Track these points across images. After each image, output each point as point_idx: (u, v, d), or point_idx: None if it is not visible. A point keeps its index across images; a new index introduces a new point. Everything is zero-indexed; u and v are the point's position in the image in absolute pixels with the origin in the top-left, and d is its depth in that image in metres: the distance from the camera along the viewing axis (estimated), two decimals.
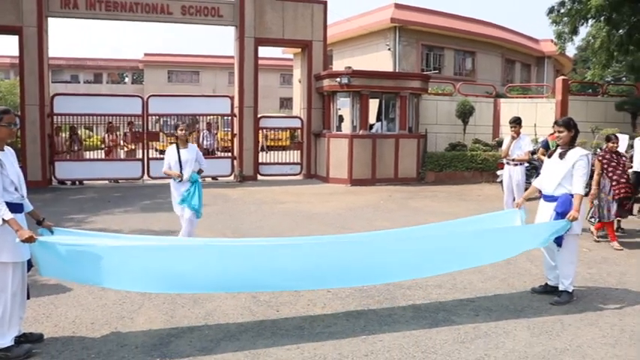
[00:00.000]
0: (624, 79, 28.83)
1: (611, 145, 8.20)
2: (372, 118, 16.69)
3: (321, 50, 16.97)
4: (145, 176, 15.77)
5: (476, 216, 6.25)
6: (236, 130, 16.47)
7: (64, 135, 15.77)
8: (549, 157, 5.62)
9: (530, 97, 18.73)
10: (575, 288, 5.51)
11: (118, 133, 16.41)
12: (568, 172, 5.28)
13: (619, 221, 8.69)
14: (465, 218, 6.29)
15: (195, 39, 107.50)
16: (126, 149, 16.27)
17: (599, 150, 8.59)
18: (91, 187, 14.99)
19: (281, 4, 16.51)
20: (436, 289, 5.81)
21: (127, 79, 57.37)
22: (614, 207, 8.04)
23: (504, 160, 9.73)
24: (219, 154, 18.32)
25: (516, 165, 9.31)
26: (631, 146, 10.01)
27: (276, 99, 47.53)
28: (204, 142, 17.25)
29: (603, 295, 5.67)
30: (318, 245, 5.16)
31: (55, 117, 15.11)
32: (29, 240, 4.02)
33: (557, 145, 5.60)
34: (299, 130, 17.52)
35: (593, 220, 8.39)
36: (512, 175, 9.35)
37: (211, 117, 17.22)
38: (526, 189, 10.89)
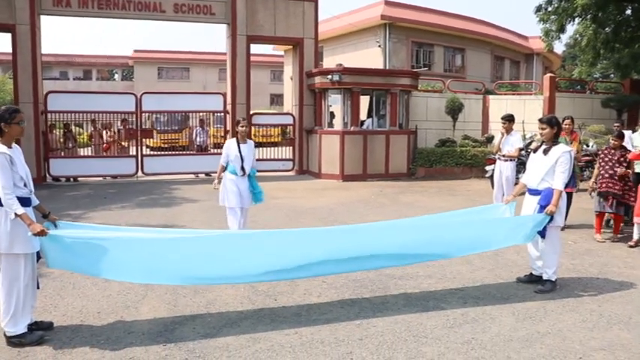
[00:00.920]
0: (612, 76, 29.25)
1: (613, 141, 8.41)
2: (362, 115, 16.95)
3: (312, 47, 17.19)
4: (139, 172, 15.93)
5: (466, 209, 6.51)
6: (229, 127, 16.65)
7: (58, 132, 15.91)
8: (534, 152, 5.90)
9: (518, 94, 19.06)
10: (558, 277, 5.81)
11: (110, 130, 16.58)
12: (551, 168, 5.57)
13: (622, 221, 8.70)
14: (456, 211, 6.55)
15: (185, 35, 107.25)
16: (119, 146, 16.43)
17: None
18: (86, 183, 15.14)
19: (272, 2, 16.70)
20: (426, 279, 6.08)
21: (116, 76, 57.22)
22: (596, 201, 8.36)
23: (496, 156, 10.01)
24: (211, 150, 18.49)
25: (507, 161, 9.58)
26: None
27: (267, 95, 47.62)
28: (198, 139, 17.44)
29: (584, 284, 5.97)
30: (320, 233, 5.47)
31: (49, 114, 15.22)
32: (41, 234, 4.24)
33: (542, 142, 5.87)
34: (291, 127, 17.71)
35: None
36: (502, 170, 9.64)
37: (203, 114, 17.39)
38: (515, 184, 11.25)
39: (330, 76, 15.65)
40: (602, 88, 20.12)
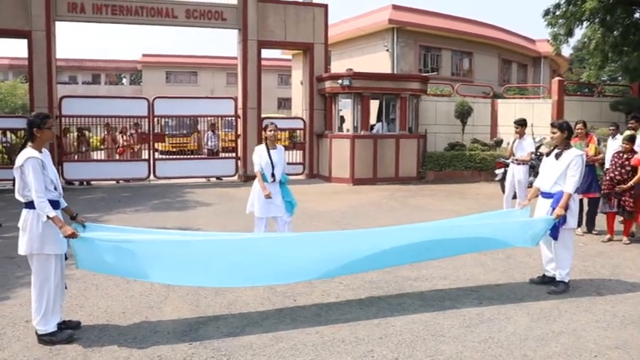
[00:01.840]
0: (619, 78, 29.29)
1: (625, 145, 8.48)
2: (372, 119, 17.09)
3: (322, 52, 17.37)
4: (151, 176, 16.13)
5: (482, 213, 6.64)
6: (240, 131, 16.83)
7: (71, 136, 16.14)
8: (547, 156, 6.02)
9: (527, 98, 19.15)
10: (570, 279, 5.92)
11: (126, 134, 16.79)
12: (563, 172, 5.70)
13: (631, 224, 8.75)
14: (472, 215, 6.68)
15: (193, 40, 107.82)
16: (131, 150, 16.65)
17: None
18: (99, 187, 15.34)
19: (283, 8, 16.90)
20: (441, 281, 6.21)
21: (124, 80, 57.66)
22: (600, 202, 8.48)
23: (509, 160, 10.18)
24: (221, 154, 18.69)
25: (520, 164, 9.76)
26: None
27: (274, 99, 47.87)
28: (209, 143, 17.62)
29: (597, 285, 6.08)
30: (343, 235, 5.62)
31: (63, 119, 15.45)
32: (72, 236, 4.40)
33: (555, 146, 5.99)
34: (301, 131, 17.87)
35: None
36: (515, 173, 9.87)
37: (212, 118, 17.59)
38: (529, 187, 11.37)
39: (340, 81, 15.81)
40: (610, 91, 20.18)
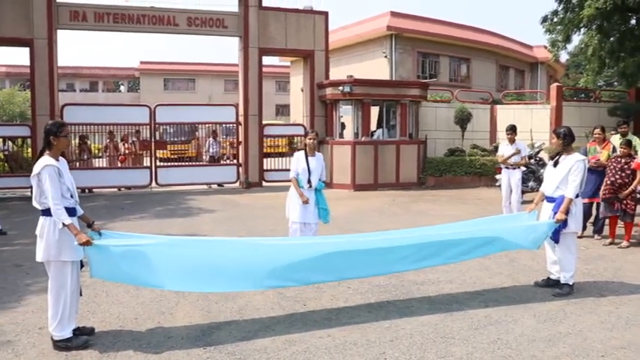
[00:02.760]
0: (615, 84, 29.52)
1: (621, 150, 8.62)
2: (373, 125, 17.21)
3: (323, 59, 17.50)
4: (153, 183, 16.21)
5: (487, 217, 6.74)
6: (241, 138, 16.93)
7: (73, 144, 16.21)
8: (552, 160, 6.14)
9: (525, 104, 19.30)
10: (574, 282, 6.02)
11: (128, 142, 16.88)
12: (565, 176, 5.82)
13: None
14: (478, 219, 6.76)
15: (191, 47, 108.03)
16: (134, 157, 16.74)
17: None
18: (101, 194, 15.40)
19: (284, 15, 17.04)
20: (448, 284, 6.30)
21: (122, 88, 57.75)
22: (602, 206, 8.61)
23: (502, 165, 10.39)
24: (223, 161, 18.81)
25: (514, 169, 10.03)
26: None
27: (272, 106, 47.97)
28: (210, 150, 17.72)
29: (600, 288, 6.18)
30: (353, 241, 5.71)
31: None
32: (86, 243, 4.48)
33: (559, 152, 6.11)
34: (299, 138, 17.96)
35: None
36: (510, 177, 10.17)
37: (211, 125, 17.72)
38: (523, 191, 11.57)
39: (341, 88, 15.93)
40: (606, 96, 20.35)
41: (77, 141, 16.32)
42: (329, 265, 5.28)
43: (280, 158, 17.89)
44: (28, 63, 15.35)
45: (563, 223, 5.78)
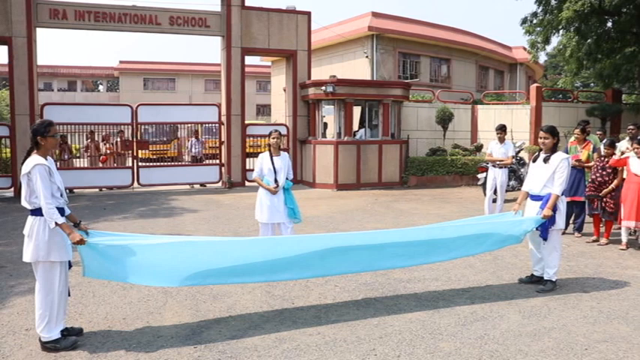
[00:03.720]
0: (592, 85, 30.04)
1: (607, 150, 8.78)
2: (355, 125, 17.29)
3: (305, 59, 17.53)
4: (135, 184, 16.10)
5: (475, 217, 6.85)
6: (224, 138, 16.89)
7: None
8: (534, 161, 6.26)
9: (506, 104, 19.55)
10: (557, 278, 6.15)
11: (109, 142, 16.73)
12: (551, 175, 5.94)
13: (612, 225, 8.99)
14: (466, 219, 6.86)
15: (171, 46, 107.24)
16: (117, 156, 16.60)
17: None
18: (82, 195, 15.25)
19: (266, 15, 17.04)
20: (434, 282, 6.39)
21: (101, 87, 57.13)
22: (586, 205, 8.82)
23: (489, 164, 10.58)
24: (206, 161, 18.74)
25: (501, 168, 10.18)
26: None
27: (253, 106, 47.87)
28: (193, 150, 17.65)
29: (582, 284, 6.32)
30: (336, 237, 5.79)
31: None
32: (80, 242, 4.47)
33: (540, 150, 6.23)
34: (284, 137, 17.98)
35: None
36: (496, 176, 10.38)
37: (192, 125, 17.66)
38: (507, 190, 11.75)
39: (323, 88, 15.98)
40: (584, 97, 20.71)
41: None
42: (318, 261, 5.34)
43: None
44: (2, 61, 15.11)
45: (551, 220, 5.91)
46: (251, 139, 17.96)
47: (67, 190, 15.53)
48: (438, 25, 26.95)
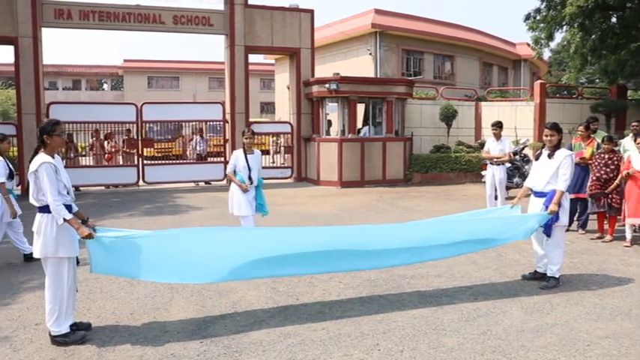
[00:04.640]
0: (597, 81, 29.93)
1: (606, 146, 8.81)
2: (359, 123, 17.33)
3: (309, 57, 17.59)
4: (140, 181, 16.19)
5: (473, 211, 6.87)
6: (228, 136, 16.96)
7: None
8: (537, 158, 6.28)
9: (510, 100, 19.55)
10: (560, 274, 6.19)
11: (112, 140, 16.81)
12: (555, 171, 5.98)
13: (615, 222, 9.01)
14: (465, 212, 6.91)
15: (175, 44, 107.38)
16: (123, 154, 16.70)
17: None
18: (88, 193, 15.35)
19: (270, 13, 17.10)
20: (437, 278, 6.44)
21: (105, 86, 57.26)
22: (589, 202, 8.82)
23: (487, 161, 10.58)
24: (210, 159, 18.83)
25: (499, 165, 10.20)
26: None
27: (257, 104, 47.91)
28: (198, 148, 17.73)
29: (585, 280, 6.36)
30: (344, 231, 5.85)
31: None
32: (88, 237, 4.54)
33: (542, 147, 6.26)
34: (288, 135, 18.04)
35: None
36: (495, 173, 10.35)
37: (196, 123, 17.74)
38: (508, 187, 11.77)
39: (327, 85, 16.02)
40: (589, 93, 20.68)
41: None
42: (326, 256, 5.42)
43: (266, 156, 17.96)
44: (8, 61, 15.24)
45: (555, 217, 5.94)
46: (255, 137, 17.96)
47: (74, 188, 15.70)
48: (442, 22, 26.94)
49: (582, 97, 19.36)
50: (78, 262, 4.89)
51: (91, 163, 17.00)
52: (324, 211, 11.72)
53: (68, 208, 4.65)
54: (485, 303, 5.52)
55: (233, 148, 16.73)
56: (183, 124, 17.95)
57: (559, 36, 23.06)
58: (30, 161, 4.67)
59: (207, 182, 16.89)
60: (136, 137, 16.43)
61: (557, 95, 20.39)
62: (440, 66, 27.22)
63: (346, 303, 5.59)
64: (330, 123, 17.68)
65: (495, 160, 10.31)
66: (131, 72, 47.85)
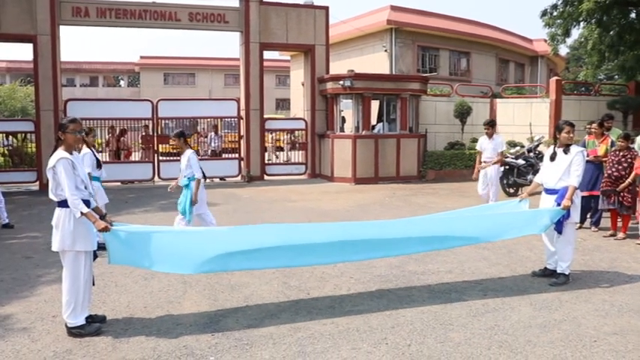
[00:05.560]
0: (616, 77, 29.63)
1: (619, 143, 8.75)
2: (373, 119, 17.35)
3: (323, 53, 17.64)
4: (156, 177, 16.37)
5: (483, 205, 6.91)
6: (243, 132, 17.08)
7: None
8: (552, 159, 6.22)
9: (525, 97, 19.43)
10: (570, 271, 6.20)
11: (124, 136, 17.06)
12: (567, 168, 5.99)
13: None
14: (475, 207, 6.94)
15: (190, 41, 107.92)
16: (141, 151, 16.94)
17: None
18: (105, 188, 15.49)
19: (285, 10, 17.17)
20: (447, 274, 6.49)
21: (122, 82, 57.81)
22: (600, 199, 8.79)
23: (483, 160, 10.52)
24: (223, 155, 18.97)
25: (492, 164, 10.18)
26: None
27: (272, 100, 48.10)
28: (212, 144, 17.88)
29: (596, 277, 6.36)
30: (351, 226, 5.99)
31: None
32: (105, 229, 4.66)
33: (554, 145, 6.27)
34: (303, 131, 18.12)
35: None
36: (487, 171, 10.29)
37: (211, 119, 17.89)
38: (522, 185, 11.70)
39: (341, 82, 16.06)
40: (606, 90, 20.49)
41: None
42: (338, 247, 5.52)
43: (280, 152, 18.07)
44: (27, 58, 15.52)
45: (567, 214, 5.96)
46: (270, 133, 18.13)
47: None
48: (458, 18, 26.82)
49: (599, 94, 19.19)
50: (96, 257, 5.01)
51: (108, 159, 17.20)
52: (338, 207, 11.79)
53: (86, 203, 4.76)
54: (494, 299, 5.56)
55: (248, 144, 16.88)
56: (199, 120, 18.08)
57: (576, 32, 22.93)
58: (50, 157, 4.80)
59: (222, 178, 17.03)
60: (152, 134, 16.62)
61: (574, 92, 20.23)
62: (456, 62, 27.13)
63: (356, 298, 5.66)
64: (344, 119, 17.73)
65: (484, 165, 10.24)
66: (147, 68, 48.30)
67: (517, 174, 13.18)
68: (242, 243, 5.29)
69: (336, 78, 16.55)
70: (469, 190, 14.49)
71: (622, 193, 8.50)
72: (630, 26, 17.63)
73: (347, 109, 17.13)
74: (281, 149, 20.68)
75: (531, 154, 13.51)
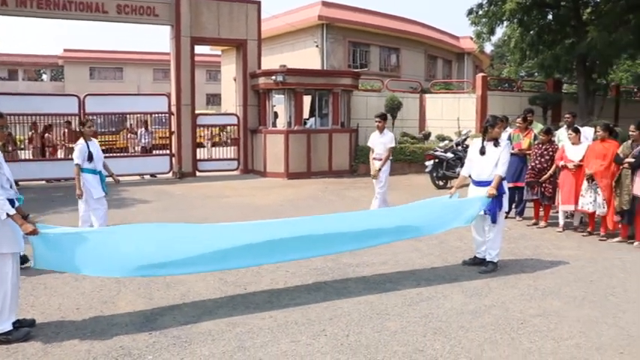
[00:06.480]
0: (536, 74, 31.04)
1: (541, 137, 9.23)
2: (305, 114, 17.44)
3: (255, 49, 17.53)
4: None
5: (414, 202, 7.09)
6: (174, 128, 16.74)
7: None
8: (481, 152, 6.45)
9: (452, 93, 20.07)
10: (499, 259, 6.51)
11: (50, 132, 16.37)
12: (497, 159, 6.26)
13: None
14: (410, 204, 7.12)
15: (119, 34, 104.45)
16: (66, 148, 16.28)
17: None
18: (28, 187, 14.83)
19: (216, 4, 16.92)
20: (382, 266, 6.65)
21: (45, 77, 55.23)
22: (525, 190, 9.27)
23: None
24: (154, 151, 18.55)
25: (380, 160, 9.92)
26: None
27: (203, 95, 47.28)
28: (142, 140, 17.44)
29: (521, 264, 6.72)
30: (284, 223, 5.97)
31: None
32: (32, 233, 4.47)
33: (482, 139, 6.53)
34: (234, 127, 17.95)
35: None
36: (372, 166, 10.01)
37: (141, 115, 17.47)
38: (450, 177, 12.07)
39: (273, 77, 16.03)
40: (527, 86, 21.50)
41: None
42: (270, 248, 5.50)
43: (217, 148, 17.88)
44: None
45: (500, 204, 6.24)
46: (201, 129, 17.85)
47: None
48: (388, 15, 27.25)
49: (521, 90, 20.11)
50: (24, 262, 4.80)
51: (30, 157, 16.47)
52: (271, 202, 11.80)
53: (11, 202, 4.57)
54: (428, 288, 5.76)
55: (179, 140, 16.57)
56: (128, 116, 17.58)
57: (500, 31, 23.83)
58: None
59: (152, 175, 16.64)
60: (76, 130, 16.01)
61: (499, 88, 21.08)
62: (386, 58, 27.58)
63: (293, 291, 5.71)
64: (276, 115, 17.72)
65: (374, 157, 9.93)
66: (72, 62, 46.34)
67: (446, 167, 13.64)
68: (181, 245, 5.21)
69: (269, 73, 16.50)
70: (400, 184, 14.84)
71: (544, 184, 8.98)
72: (548, 27, 18.59)
73: (279, 104, 17.13)
74: (219, 144, 20.44)
75: (459, 148, 14.00)
